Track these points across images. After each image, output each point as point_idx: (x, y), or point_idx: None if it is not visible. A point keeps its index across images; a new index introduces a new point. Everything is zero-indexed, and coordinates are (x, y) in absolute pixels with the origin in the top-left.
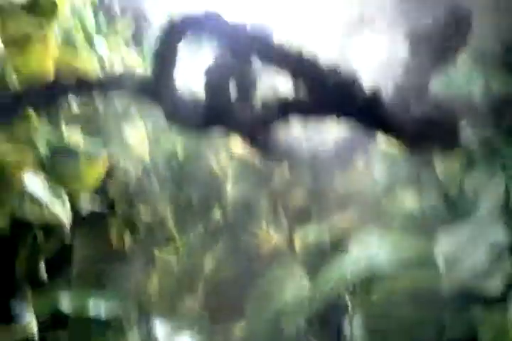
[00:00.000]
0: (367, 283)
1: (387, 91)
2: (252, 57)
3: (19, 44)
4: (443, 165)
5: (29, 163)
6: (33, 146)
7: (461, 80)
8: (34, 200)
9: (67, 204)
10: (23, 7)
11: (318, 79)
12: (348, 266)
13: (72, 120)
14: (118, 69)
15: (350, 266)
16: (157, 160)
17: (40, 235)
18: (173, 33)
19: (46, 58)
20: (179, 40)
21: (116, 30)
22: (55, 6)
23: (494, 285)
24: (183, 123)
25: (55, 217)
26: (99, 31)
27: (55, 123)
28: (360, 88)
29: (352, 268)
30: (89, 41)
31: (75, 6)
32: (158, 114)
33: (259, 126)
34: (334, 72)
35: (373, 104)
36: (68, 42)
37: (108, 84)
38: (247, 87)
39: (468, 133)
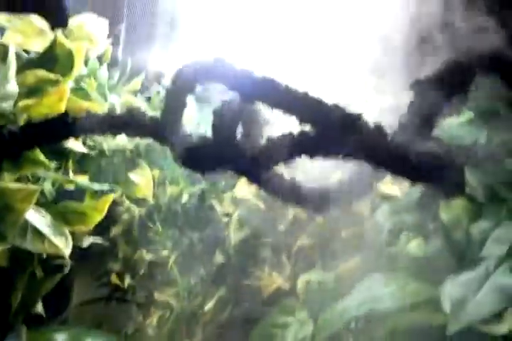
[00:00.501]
0: (369, 323)
1: (391, 130)
2: (259, 100)
3: (33, 94)
4: (448, 212)
5: (34, 200)
6: (39, 185)
7: (464, 131)
8: (36, 233)
9: (70, 240)
10: (40, 59)
11: (322, 117)
12: (351, 307)
13: (79, 163)
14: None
15: (353, 308)
16: (160, 203)
17: (39, 269)
18: (182, 80)
19: (59, 108)
20: (188, 87)
21: (130, 89)
22: (72, 61)
23: (502, 329)
24: (191, 164)
25: (56, 249)
26: (113, 89)
27: (62, 165)
28: (364, 123)
29: (355, 310)
30: (103, 98)
31: (89, 64)
32: (164, 159)
33: (265, 166)
34: (339, 108)
35: (377, 138)
36: (82, 97)
37: (117, 122)
38: (254, 129)
39: (471, 180)
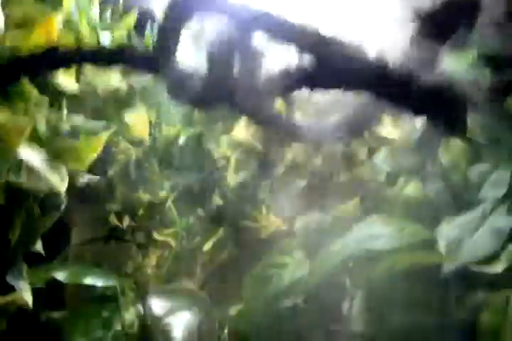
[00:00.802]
0: (366, 262)
1: (394, 62)
2: (257, 31)
3: (21, 27)
4: (447, 154)
5: (27, 133)
6: (32, 120)
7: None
8: (31, 169)
9: (65, 177)
10: None
11: (322, 46)
12: (348, 246)
13: (72, 100)
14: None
15: (350, 247)
16: (157, 144)
17: (36, 207)
18: (177, 10)
19: (47, 41)
20: (183, 17)
21: (121, 26)
22: None
23: (496, 270)
24: (185, 98)
25: (51, 186)
26: (103, 26)
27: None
28: (366, 55)
29: (351, 249)
30: (94, 34)
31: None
32: (160, 99)
33: (263, 101)
34: (339, 42)
35: (379, 67)
36: (72, 32)
37: (109, 54)
38: (251, 61)
39: (471, 122)
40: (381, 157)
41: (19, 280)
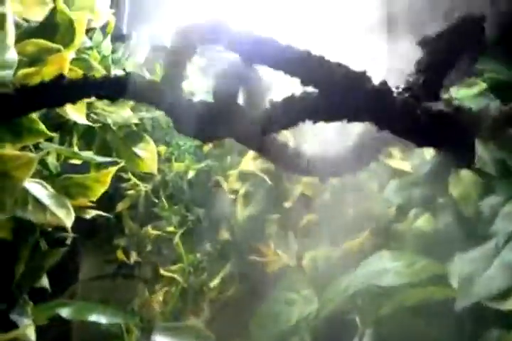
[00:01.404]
0: (376, 298)
1: (398, 90)
2: (260, 62)
3: (34, 64)
4: (458, 187)
5: (32, 168)
6: (38, 156)
7: (476, 102)
8: (38, 204)
9: (71, 212)
10: (40, 28)
11: (324, 75)
12: (355, 282)
13: (82, 134)
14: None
15: (357, 283)
16: (167, 179)
17: (43, 242)
18: (181, 43)
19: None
20: (187, 49)
21: (134, 63)
22: (73, 31)
23: (510, 303)
24: (190, 130)
25: (57, 220)
26: (115, 61)
27: (67, 140)
28: (368, 80)
29: (359, 285)
30: (106, 68)
31: (93, 36)
32: (170, 134)
33: (267, 132)
34: (342, 66)
35: (382, 96)
36: (83, 67)
37: (114, 86)
38: (256, 94)
39: (482, 154)
40: (391, 190)
41: (23, 317)
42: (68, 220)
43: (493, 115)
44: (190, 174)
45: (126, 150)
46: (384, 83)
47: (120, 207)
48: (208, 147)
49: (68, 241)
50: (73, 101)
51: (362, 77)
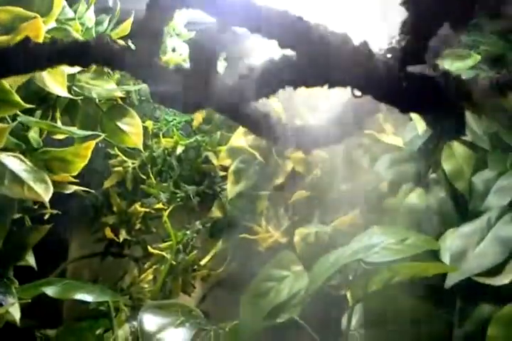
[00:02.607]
0: (365, 274)
1: (380, 50)
2: (236, 24)
3: (8, 33)
4: (451, 162)
5: (3, 138)
6: (12, 126)
7: (471, 72)
8: (14, 178)
9: (50, 186)
10: None
11: (302, 36)
12: (345, 256)
13: (66, 111)
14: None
15: (347, 257)
16: (155, 155)
17: (26, 219)
18: (158, 7)
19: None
20: (164, 14)
21: (118, 34)
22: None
23: (503, 281)
24: (168, 99)
25: (35, 195)
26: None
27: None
28: (348, 41)
29: (348, 259)
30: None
31: (75, 6)
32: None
33: (248, 99)
34: (320, 26)
35: (363, 57)
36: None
37: (85, 50)
38: (235, 60)
39: (475, 127)
40: (383, 165)
41: (7, 296)
42: (46, 195)
43: (482, 83)
44: (179, 150)
45: (110, 124)
46: (365, 44)
47: (107, 183)
48: (197, 122)
49: (54, 219)
50: (41, 67)
51: (341, 38)
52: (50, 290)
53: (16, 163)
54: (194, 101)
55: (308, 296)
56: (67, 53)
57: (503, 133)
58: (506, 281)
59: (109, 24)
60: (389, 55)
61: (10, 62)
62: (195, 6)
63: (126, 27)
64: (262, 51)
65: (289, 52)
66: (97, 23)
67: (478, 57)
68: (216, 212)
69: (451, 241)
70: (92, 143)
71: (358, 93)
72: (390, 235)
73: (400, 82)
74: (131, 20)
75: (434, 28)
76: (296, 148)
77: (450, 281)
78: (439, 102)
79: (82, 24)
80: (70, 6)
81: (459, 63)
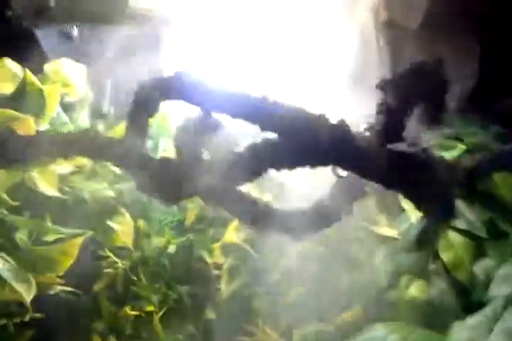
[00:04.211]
0: None
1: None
2: (218, 111)
3: None
4: (448, 251)
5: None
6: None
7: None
8: None
9: (33, 286)
10: (10, 98)
11: (281, 119)
12: None
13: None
14: None
15: None
16: (146, 255)
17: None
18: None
19: None
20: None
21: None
22: (43, 102)
23: None
24: (154, 190)
25: (17, 295)
26: None
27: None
28: (326, 121)
29: None
30: None
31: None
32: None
33: (233, 188)
34: (298, 109)
35: (342, 135)
36: None
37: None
38: (219, 147)
39: (469, 215)
40: (381, 257)
41: None
42: (28, 295)
43: (465, 164)
44: (171, 249)
45: (100, 223)
46: (342, 122)
47: (97, 287)
48: (189, 221)
49: (39, 323)
50: (25, 161)
51: (319, 119)
52: None
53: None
54: (180, 190)
55: None
56: (52, 145)
57: (498, 220)
58: None
59: (103, 127)
60: (367, 134)
61: None
62: (178, 97)
63: (119, 130)
64: (245, 136)
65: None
66: (92, 127)
67: (464, 147)
68: (210, 314)
69: (459, 333)
70: (80, 240)
71: (342, 173)
72: (393, 331)
73: (382, 159)
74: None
75: (409, 107)
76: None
77: None
78: (423, 179)
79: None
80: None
81: (445, 153)
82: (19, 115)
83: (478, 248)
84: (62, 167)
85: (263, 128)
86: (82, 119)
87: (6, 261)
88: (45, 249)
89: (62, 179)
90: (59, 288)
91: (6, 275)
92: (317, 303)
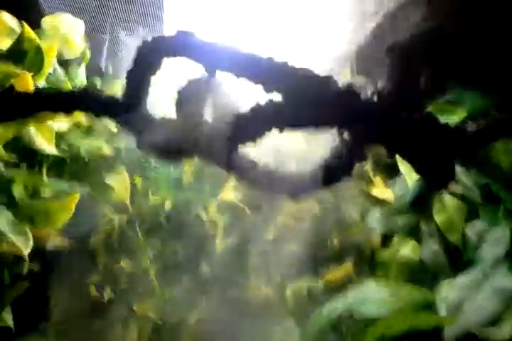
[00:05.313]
0: (358, 326)
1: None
2: (223, 69)
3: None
4: (442, 213)
5: None
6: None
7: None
8: None
9: (30, 240)
10: (7, 54)
11: (289, 82)
12: (339, 309)
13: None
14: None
15: (340, 309)
16: (143, 212)
17: (6, 274)
18: (144, 56)
19: None
20: (150, 63)
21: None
22: (41, 58)
23: (501, 331)
24: (154, 148)
25: (15, 249)
26: None
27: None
28: (334, 84)
29: (341, 310)
30: None
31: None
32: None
33: (235, 146)
34: (305, 70)
35: (349, 99)
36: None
37: (70, 99)
38: (221, 107)
39: (466, 180)
40: (374, 217)
41: None
42: (25, 249)
43: (468, 130)
44: (168, 206)
45: (97, 180)
46: (350, 86)
47: (94, 241)
48: (186, 178)
49: (35, 275)
50: (23, 115)
51: (326, 81)
52: None
53: None
54: (181, 150)
55: None
56: (51, 101)
57: (493, 186)
58: (505, 335)
59: (100, 85)
60: (374, 98)
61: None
62: (181, 54)
63: (117, 87)
64: (249, 96)
65: (275, 96)
66: (89, 84)
67: (464, 113)
68: (205, 268)
69: (447, 292)
70: (77, 196)
71: (347, 136)
72: (383, 288)
73: (389, 124)
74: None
75: (420, 74)
76: (283, 195)
77: (448, 334)
78: (425, 144)
79: (74, 86)
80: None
81: (444, 118)
82: (16, 69)
83: (472, 212)
84: (60, 124)
85: (267, 89)
86: (80, 77)
87: (4, 214)
88: (43, 203)
89: (59, 136)
90: (56, 241)
91: (4, 228)
92: (309, 260)
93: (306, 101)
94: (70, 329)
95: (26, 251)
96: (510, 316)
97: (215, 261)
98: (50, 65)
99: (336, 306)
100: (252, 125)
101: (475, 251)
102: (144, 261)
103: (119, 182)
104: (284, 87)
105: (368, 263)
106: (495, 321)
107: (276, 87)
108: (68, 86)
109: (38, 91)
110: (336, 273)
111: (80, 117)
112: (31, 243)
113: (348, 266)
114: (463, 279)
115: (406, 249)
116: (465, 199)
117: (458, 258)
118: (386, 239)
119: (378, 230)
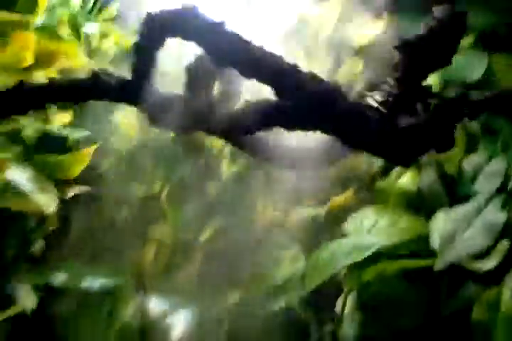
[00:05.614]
0: (360, 265)
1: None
2: (231, 66)
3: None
4: None
5: (15, 158)
6: (20, 141)
7: (465, 52)
8: (18, 191)
9: (55, 198)
10: None
11: (298, 88)
12: (340, 256)
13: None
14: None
15: (342, 257)
16: (148, 138)
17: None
18: (149, 34)
19: (25, 51)
20: (156, 41)
21: (105, 17)
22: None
23: (489, 264)
24: (164, 123)
25: (39, 208)
26: (87, 18)
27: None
28: (342, 96)
29: (343, 259)
30: (75, 25)
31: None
32: None
33: (240, 131)
34: (316, 79)
35: (355, 115)
36: (51, 36)
37: (81, 89)
38: (229, 86)
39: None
40: None
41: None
42: (50, 207)
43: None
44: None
45: (103, 117)
46: (334, 82)
47: (104, 168)
48: None
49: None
50: (37, 107)
51: (335, 93)
52: (56, 280)
53: (18, 174)
54: (190, 126)
55: (305, 292)
56: (63, 92)
57: (492, 120)
58: (492, 266)
59: (94, 6)
60: (378, 98)
61: (5, 106)
62: (191, 38)
63: (111, 11)
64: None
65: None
66: (82, 6)
67: (472, 37)
68: (212, 192)
69: (441, 225)
70: (92, 149)
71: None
72: (382, 218)
73: (391, 132)
74: (117, 5)
75: (427, 74)
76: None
77: (439, 265)
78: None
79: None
80: None
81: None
82: (12, 16)
83: (471, 144)
84: None
85: (277, 93)
86: (73, 2)
87: (24, 171)
88: (61, 156)
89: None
90: (77, 189)
91: (27, 187)
92: (313, 186)
93: (311, 109)
94: (88, 250)
95: (51, 209)
96: (498, 250)
97: (223, 184)
98: (44, 3)
99: (338, 252)
100: (258, 117)
101: (470, 184)
102: (153, 187)
103: (127, 120)
104: (292, 93)
105: (369, 191)
106: (484, 253)
107: (285, 92)
108: (64, 13)
109: (50, 82)
110: (339, 199)
111: None
112: (56, 201)
113: (350, 194)
114: (457, 212)
115: (405, 179)
116: (465, 131)
117: (455, 188)
118: (386, 170)
119: (378, 160)
